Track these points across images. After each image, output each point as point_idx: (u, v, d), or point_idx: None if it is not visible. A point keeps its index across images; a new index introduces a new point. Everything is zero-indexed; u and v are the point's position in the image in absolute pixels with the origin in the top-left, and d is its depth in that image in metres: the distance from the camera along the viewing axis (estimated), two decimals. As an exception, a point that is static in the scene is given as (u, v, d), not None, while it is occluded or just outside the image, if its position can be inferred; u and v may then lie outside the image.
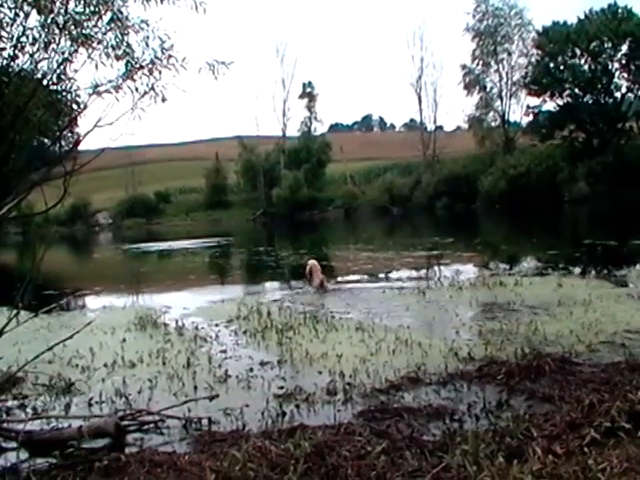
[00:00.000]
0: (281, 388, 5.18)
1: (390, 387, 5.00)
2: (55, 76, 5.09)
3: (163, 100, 5.31)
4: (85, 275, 20.08)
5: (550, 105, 48.83)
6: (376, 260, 16.45)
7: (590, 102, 46.52)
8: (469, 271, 12.90)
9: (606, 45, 44.90)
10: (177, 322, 8.27)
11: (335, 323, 7.61)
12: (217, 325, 8.17)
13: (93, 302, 11.79)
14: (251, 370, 5.80)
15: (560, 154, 45.33)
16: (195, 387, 5.38)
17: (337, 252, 20.64)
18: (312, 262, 11.20)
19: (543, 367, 5.04)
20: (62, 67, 5.04)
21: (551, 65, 46.61)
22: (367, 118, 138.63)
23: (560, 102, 47.56)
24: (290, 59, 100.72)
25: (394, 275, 12.76)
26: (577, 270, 12.12)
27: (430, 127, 60.93)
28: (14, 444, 4.02)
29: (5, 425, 4.39)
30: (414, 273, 13.27)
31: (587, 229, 25.26)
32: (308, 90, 66.58)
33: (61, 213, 53.49)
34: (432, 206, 48.38)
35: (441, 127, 64.62)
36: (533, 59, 49.58)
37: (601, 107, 45.52)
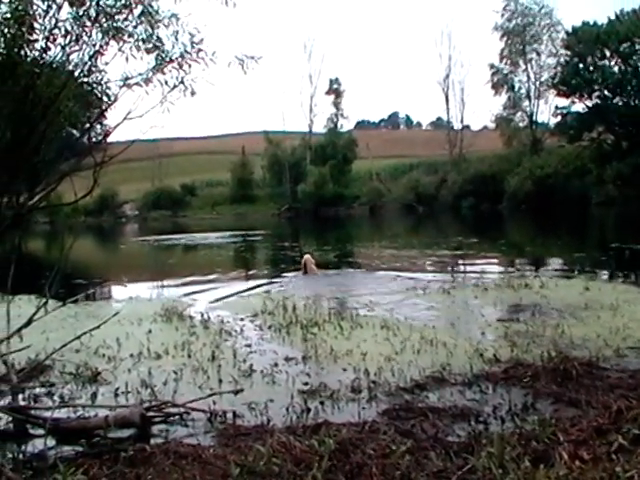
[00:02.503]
0: (306, 384, 5.15)
1: (415, 386, 4.96)
2: (86, 68, 5.12)
3: (192, 94, 5.33)
4: (112, 265, 20.33)
5: (579, 106, 48.24)
6: (400, 258, 16.42)
7: (620, 104, 45.72)
8: (494, 272, 12.78)
9: (637, 46, 44.11)
10: (202, 315, 8.26)
11: (360, 320, 7.56)
12: (242, 319, 8.16)
13: (120, 293, 11.88)
14: (276, 365, 5.79)
15: (588, 156, 44.75)
16: (220, 380, 5.37)
17: (362, 249, 20.69)
18: (307, 257, 12.55)
19: (570, 371, 4.95)
20: (93, 59, 5.07)
21: (580, 66, 45.95)
22: (394, 115, 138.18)
23: (589, 103, 46.91)
24: (317, 55, 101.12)
25: (418, 274, 12.66)
26: (604, 273, 11.98)
27: (457, 126, 60.71)
28: (42, 431, 4.04)
29: (33, 412, 4.41)
30: (439, 272, 13.20)
31: (614, 232, 24.93)
32: (335, 86, 66.53)
33: (89, 203, 54.13)
34: (457, 205, 48.13)
35: (468, 126, 64.34)
36: (562, 59, 48.93)
37: (631, 109, 44.75)
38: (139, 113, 5.02)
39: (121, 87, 5.20)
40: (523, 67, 54.44)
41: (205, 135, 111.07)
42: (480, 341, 6.33)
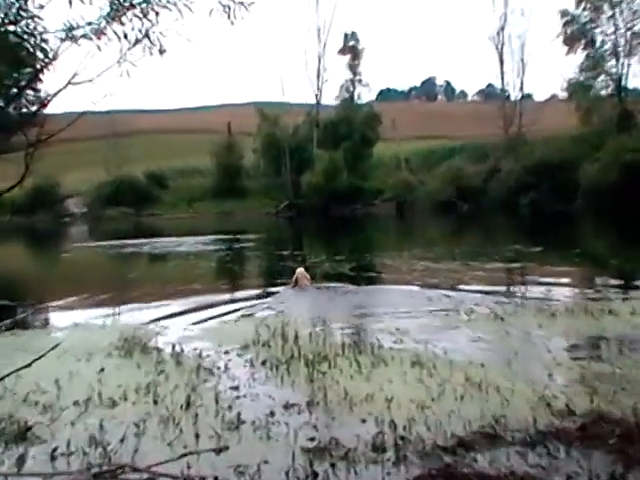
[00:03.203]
0: (311, 440, 5.13)
1: (458, 444, 4.93)
2: (12, 12, 5.00)
3: (161, 52, 5.27)
4: (50, 281, 20.28)
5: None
6: (437, 272, 16.41)
7: None
8: (565, 292, 12.72)
9: None
10: (174, 347, 8.26)
11: (384, 354, 7.55)
12: (227, 352, 8.15)
13: (61, 318, 11.82)
14: (272, 414, 5.77)
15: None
16: (197, 435, 5.35)
17: (386, 260, 20.61)
18: (300, 270, 13.92)
19: (674, 430, 4.88)
20: (22, 0, 4.95)
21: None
22: (429, 83, 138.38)
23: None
24: (328, 2, 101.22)
25: (462, 293, 12.68)
26: None
27: (515, 96, 60.66)
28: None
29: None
30: (488, 291, 13.09)
31: None
32: (351, 43, 66.73)
33: (19, 197, 54.17)
34: (514, 202, 48.05)
35: (530, 96, 64.71)
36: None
37: None
38: (88, 76, 4.96)
39: (63, 40, 5.12)
40: (609, 13, 53.78)
41: (178, 107, 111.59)
42: (547, 385, 6.27)
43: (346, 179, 58.43)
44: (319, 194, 57.59)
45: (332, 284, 14.41)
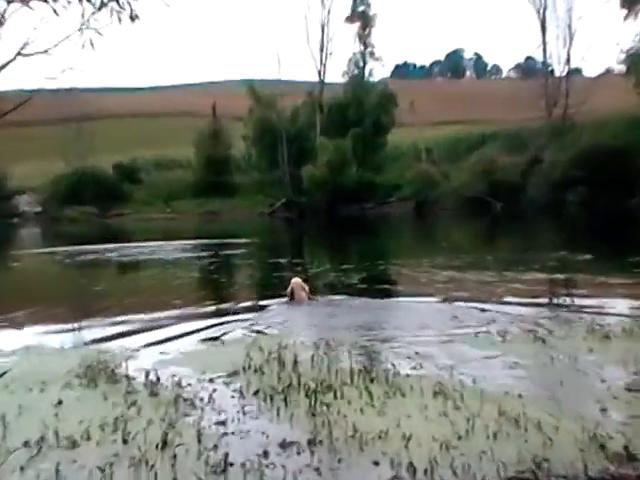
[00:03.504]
0: (314, 487, 5.08)
1: (491, 493, 4.89)
2: None
3: (132, 18, 5.30)
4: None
5: None
6: (465, 284, 16.41)
7: None
8: (621, 309, 12.60)
9: None
10: (148, 374, 8.20)
11: (401, 383, 7.51)
12: (212, 380, 8.10)
13: (9, 340, 11.66)
14: (265, 455, 5.75)
15: None
16: (175, 480, 5.31)
17: (403, 270, 20.52)
18: (296, 281, 14.13)
19: None
20: None
21: None
22: (455, 56, 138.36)
23: None
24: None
25: (495, 309, 12.61)
26: None
27: (559, 71, 60.56)
28: None
29: None
30: (527, 307, 13.07)
31: None
32: (361, 9, 66.79)
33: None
34: (559, 200, 47.97)
35: (578, 71, 64.41)
36: None
37: None
38: (43, 46, 4.94)
39: (10, 2, 5.12)
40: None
41: (153, 85, 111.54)
42: (599, 423, 6.23)
43: (355, 173, 58.43)
44: (323, 191, 57.57)
45: (336, 297, 14.56)
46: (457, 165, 58.47)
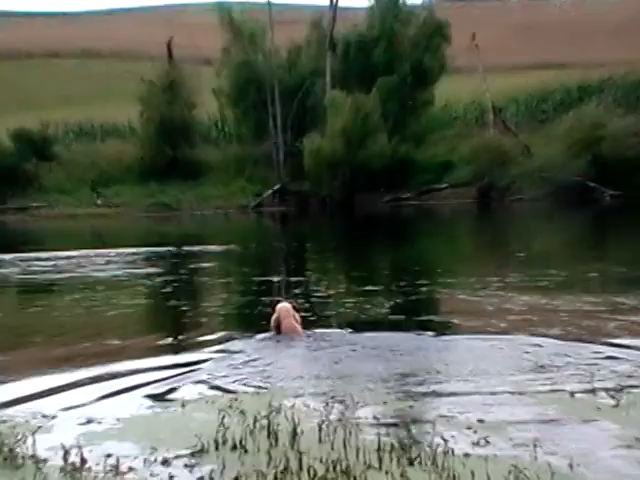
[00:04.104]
0: None
1: None
2: None
3: None
4: None
5: None
6: (552, 315, 13.32)
7: None
8: None
9: None
10: (67, 454, 6.32)
11: (455, 466, 5.78)
12: (167, 462, 6.22)
13: None
14: None
15: None
16: None
17: (457, 292, 17.25)
18: (282, 306, 11.75)
19: None
20: None
21: None
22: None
23: None
24: None
25: (602, 355, 9.90)
26: None
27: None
28: None
29: None
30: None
31: None
32: None
33: None
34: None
35: None
36: None
37: None
38: None
39: None
40: None
41: (80, 10, 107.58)
42: None
43: (386, 145, 52.53)
44: (335, 173, 51.44)
45: (346, 330, 11.70)
46: (543, 132, 52.69)
